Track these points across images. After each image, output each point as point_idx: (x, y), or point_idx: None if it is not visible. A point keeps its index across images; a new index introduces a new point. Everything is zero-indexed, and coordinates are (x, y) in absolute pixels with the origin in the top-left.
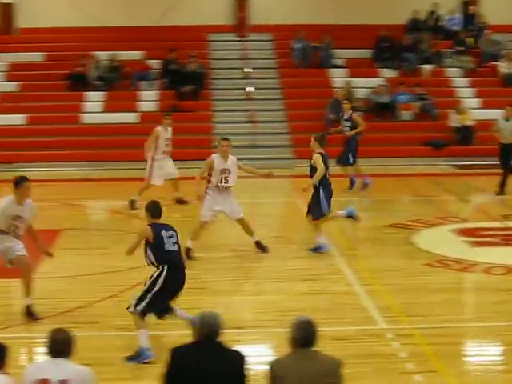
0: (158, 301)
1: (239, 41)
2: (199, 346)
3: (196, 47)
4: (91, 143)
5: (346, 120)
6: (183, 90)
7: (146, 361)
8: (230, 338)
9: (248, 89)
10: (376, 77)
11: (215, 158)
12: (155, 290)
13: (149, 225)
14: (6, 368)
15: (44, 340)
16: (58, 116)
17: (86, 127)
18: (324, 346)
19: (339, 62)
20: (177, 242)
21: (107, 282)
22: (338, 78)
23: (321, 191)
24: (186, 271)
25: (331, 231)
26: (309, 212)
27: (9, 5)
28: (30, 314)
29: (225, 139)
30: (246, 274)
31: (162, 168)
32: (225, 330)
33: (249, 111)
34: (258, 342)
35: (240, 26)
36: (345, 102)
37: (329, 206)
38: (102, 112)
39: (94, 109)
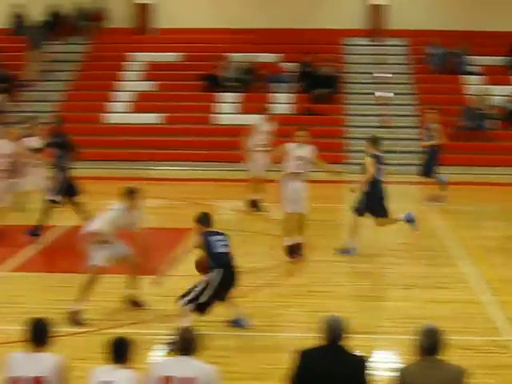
0: (210, 300)
1: (374, 45)
2: (326, 350)
3: (331, 51)
4: (225, 144)
5: (428, 129)
6: (317, 93)
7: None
8: (354, 343)
9: (378, 94)
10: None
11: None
12: (209, 291)
13: (200, 234)
14: (132, 363)
15: (169, 337)
16: (194, 116)
17: (220, 128)
18: (451, 356)
19: (473, 68)
20: (227, 245)
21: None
22: (472, 84)
23: (369, 193)
24: (315, 274)
25: (463, 238)
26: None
27: (147, 5)
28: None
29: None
30: (373, 279)
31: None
32: (349, 335)
33: (381, 116)
34: (382, 348)
35: (375, 31)
36: (431, 111)
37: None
38: (236, 113)
39: (228, 110)
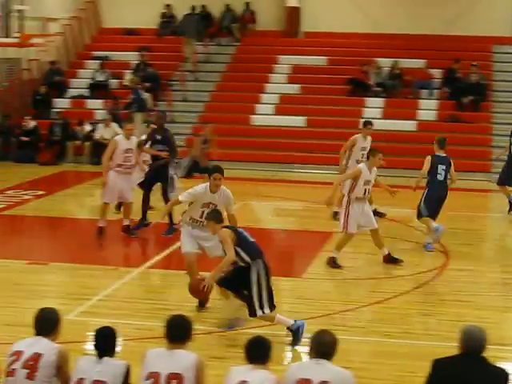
0: (270, 292)
1: None
2: (463, 359)
3: (479, 58)
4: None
5: None
6: (464, 100)
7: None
8: (493, 354)
9: None
10: None
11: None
12: (265, 283)
13: (223, 227)
14: (269, 364)
15: (308, 340)
16: (337, 120)
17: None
18: None
19: None
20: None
21: (376, 287)
22: None
23: (425, 192)
24: (455, 283)
25: None
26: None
27: (295, 8)
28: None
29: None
30: None
31: None
32: (488, 346)
33: None
34: None
35: None
36: None
37: (428, 208)
38: (381, 118)
39: (373, 115)
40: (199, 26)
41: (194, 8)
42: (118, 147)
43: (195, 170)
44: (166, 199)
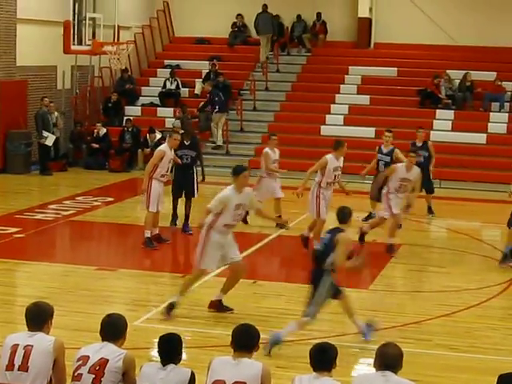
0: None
1: None
2: None
3: None
4: (437, 161)
5: None
6: None
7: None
8: None
9: None
10: None
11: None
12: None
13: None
14: (333, 371)
15: (373, 351)
16: (407, 132)
17: (434, 145)
18: None
19: None
20: (325, 243)
21: (442, 300)
22: None
23: None
24: None
25: None
26: None
27: (367, 19)
28: (216, 307)
29: None
30: None
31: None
32: None
33: None
34: None
35: None
36: None
37: None
38: (451, 131)
39: (443, 127)
40: (273, 23)
41: (266, 6)
42: (165, 157)
43: None
44: (189, 205)
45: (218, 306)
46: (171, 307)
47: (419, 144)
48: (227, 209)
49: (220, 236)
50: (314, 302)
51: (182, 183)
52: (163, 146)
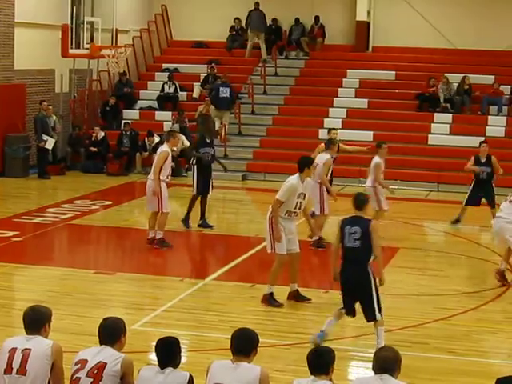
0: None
1: None
2: None
3: None
4: (435, 164)
5: None
6: None
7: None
8: None
9: None
10: None
11: None
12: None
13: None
14: (331, 375)
15: (371, 355)
16: (405, 135)
17: (431, 148)
18: None
19: None
20: (359, 239)
21: (440, 304)
22: None
23: None
24: None
25: None
26: None
27: (365, 23)
28: (296, 297)
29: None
30: None
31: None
32: None
33: None
34: None
35: None
36: None
37: None
38: (449, 134)
39: (440, 130)
40: (265, 21)
41: (258, 4)
42: (169, 157)
43: None
44: (205, 202)
45: (296, 297)
46: (271, 296)
47: (483, 160)
48: (292, 197)
49: (285, 222)
50: (376, 303)
51: (209, 180)
52: (165, 147)
